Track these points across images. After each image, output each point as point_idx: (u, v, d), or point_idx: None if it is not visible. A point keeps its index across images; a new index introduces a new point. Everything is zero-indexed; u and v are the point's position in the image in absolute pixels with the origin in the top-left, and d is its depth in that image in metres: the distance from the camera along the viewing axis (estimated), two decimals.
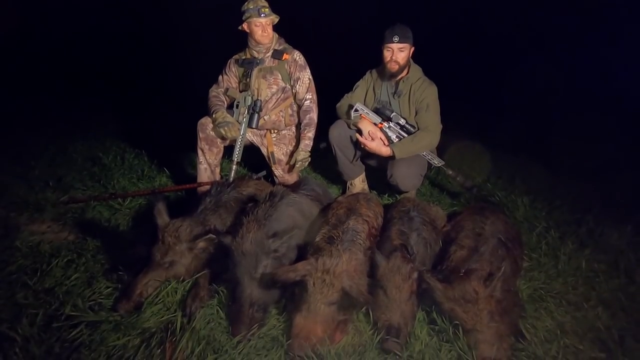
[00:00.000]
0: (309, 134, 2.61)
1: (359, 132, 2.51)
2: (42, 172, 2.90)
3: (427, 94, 2.50)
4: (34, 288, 1.70)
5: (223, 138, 2.55)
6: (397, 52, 2.45)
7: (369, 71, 2.71)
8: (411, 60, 2.59)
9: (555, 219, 2.55)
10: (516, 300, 1.68)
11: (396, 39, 2.43)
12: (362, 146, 2.50)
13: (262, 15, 2.46)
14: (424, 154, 2.52)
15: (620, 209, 2.63)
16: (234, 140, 2.57)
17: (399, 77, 2.57)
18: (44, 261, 1.88)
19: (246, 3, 2.50)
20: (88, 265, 1.89)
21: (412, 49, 2.51)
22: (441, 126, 2.55)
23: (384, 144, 2.48)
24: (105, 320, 1.55)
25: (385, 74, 2.55)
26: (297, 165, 2.57)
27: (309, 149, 2.61)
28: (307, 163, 2.59)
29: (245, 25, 2.52)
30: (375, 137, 2.46)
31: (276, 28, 2.62)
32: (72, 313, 1.56)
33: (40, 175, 2.84)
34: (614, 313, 1.76)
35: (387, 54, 2.48)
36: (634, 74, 4.65)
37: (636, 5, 5.02)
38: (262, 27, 2.49)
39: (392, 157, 2.46)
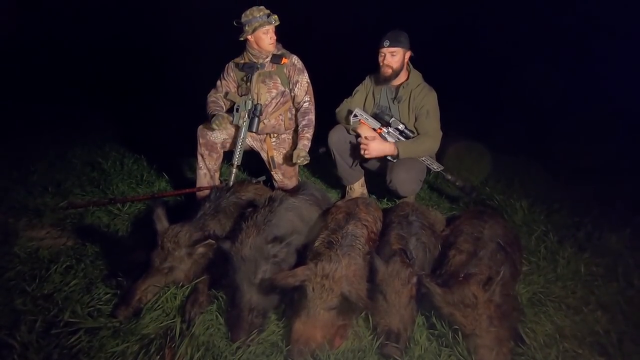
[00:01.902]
0: (307, 134, 2.61)
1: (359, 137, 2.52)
2: (41, 177, 2.89)
3: (427, 100, 2.51)
4: (32, 294, 1.70)
5: (215, 130, 2.53)
6: (389, 56, 2.48)
7: (368, 76, 2.72)
8: (411, 66, 2.61)
9: (554, 222, 2.56)
10: (515, 305, 1.68)
11: (387, 43, 2.46)
12: (363, 153, 2.46)
13: (273, 21, 2.46)
14: (422, 158, 2.53)
15: (618, 212, 2.64)
16: (233, 145, 2.58)
17: (399, 82, 2.58)
18: (43, 267, 1.87)
19: (249, 12, 2.45)
20: (87, 271, 1.88)
21: (408, 53, 2.52)
22: (441, 133, 2.56)
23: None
24: (104, 326, 1.55)
25: (381, 79, 2.57)
26: (299, 161, 2.54)
27: (307, 150, 2.60)
28: (306, 161, 2.57)
29: (250, 36, 2.47)
30: (374, 138, 2.46)
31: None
32: (71, 319, 1.56)
33: (39, 181, 2.83)
34: (612, 317, 1.76)
35: (380, 59, 2.52)
36: (633, 78, 4.68)
37: (634, 9, 5.06)
38: (270, 33, 2.48)
39: (394, 157, 2.45)
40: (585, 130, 3.76)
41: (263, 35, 2.46)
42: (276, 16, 2.48)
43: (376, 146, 2.44)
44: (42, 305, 1.64)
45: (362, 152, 2.47)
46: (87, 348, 1.46)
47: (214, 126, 2.45)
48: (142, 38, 7.04)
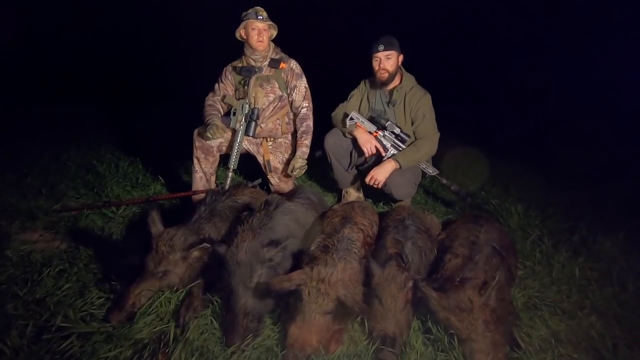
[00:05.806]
0: (306, 141, 2.61)
1: (354, 141, 2.52)
2: (35, 180, 2.87)
3: (422, 103, 2.53)
4: (24, 298, 1.68)
5: (209, 140, 2.53)
6: (385, 60, 2.50)
7: (363, 80, 2.74)
8: (403, 70, 2.63)
9: (549, 227, 2.57)
10: (511, 309, 1.68)
11: (381, 47, 2.48)
12: (376, 186, 2.46)
13: (260, 17, 2.47)
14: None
15: (612, 217, 2.66)
16: (230, 149, 2.57)
17: (392, 86, 2.60)
18: (35, 271, 1.85)
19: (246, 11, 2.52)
20: (80, 275, 1.86)
21: (401, 56, 2.56)
22: (438, 134, 2.58)
23: (383, 151, 2.50)
24: (97, 331, 1.53)
25: (377, 83, 2.59)
26: (294, 173, 2.56)
27: (306, 157, 2.60)
28: (304, 170, 2.58)
29: (242, 31, 2.52)
30: (376, 169, 2.46)
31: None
32: (63, 324, 1.54)
33: (32, 183, 2.81)
34: (607, 321, 1.77)
35: (375, 64, 2.54)
36: (627, 83, 4.73)
37: (630, 14, 5.13)
38: (258, 31, 2.49)
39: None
40: (580, 135, 3.80)
41: (251, 31, 2.49)
42: (265, 15, 2.50)
43: (380, 171, 2.44)
44: (34, 310, 1.62)
45: (374, 185, 2.46)
46: (79, 353, 1.44)
47: (208, 135, 2.45)
48: (139, 39, 7.04)
